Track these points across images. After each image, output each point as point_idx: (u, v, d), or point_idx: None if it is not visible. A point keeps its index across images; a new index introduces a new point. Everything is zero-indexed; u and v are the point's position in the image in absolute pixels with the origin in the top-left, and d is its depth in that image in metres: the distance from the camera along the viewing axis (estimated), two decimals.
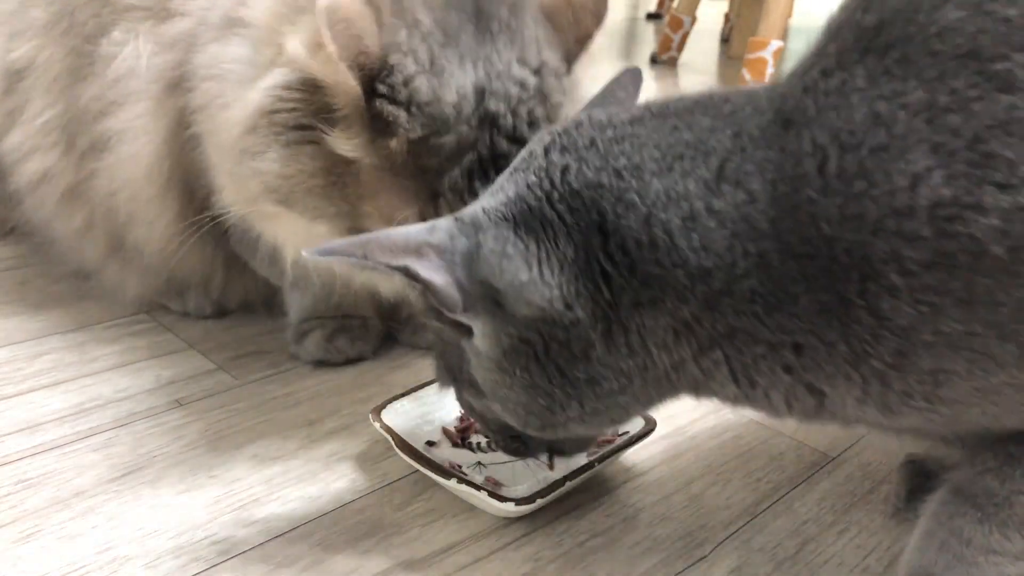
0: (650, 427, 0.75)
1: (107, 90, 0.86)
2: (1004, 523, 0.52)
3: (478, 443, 0.76)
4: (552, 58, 0.69)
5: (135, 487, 0.72)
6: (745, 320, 0.50)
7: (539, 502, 0.67)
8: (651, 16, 3.95)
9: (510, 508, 0.66)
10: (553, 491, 0.67)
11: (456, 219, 0.54)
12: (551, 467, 0.73)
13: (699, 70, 2.76)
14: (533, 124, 0.67)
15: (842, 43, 0.49)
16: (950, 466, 0.70)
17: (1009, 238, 0.42)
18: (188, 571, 0.63)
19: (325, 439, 0.80)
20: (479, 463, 0.74)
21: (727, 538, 0.68)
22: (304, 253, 0.53)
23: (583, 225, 0.51)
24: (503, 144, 0.66)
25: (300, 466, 0.76)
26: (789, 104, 0.49)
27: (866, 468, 0.78)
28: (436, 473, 0.69)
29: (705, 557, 0.66)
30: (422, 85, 0.63)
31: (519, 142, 0.65)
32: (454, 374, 0.61)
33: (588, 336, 0.52)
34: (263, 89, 0.67)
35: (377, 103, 0.63)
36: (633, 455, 0.77)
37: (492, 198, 0.55)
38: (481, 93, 0.65)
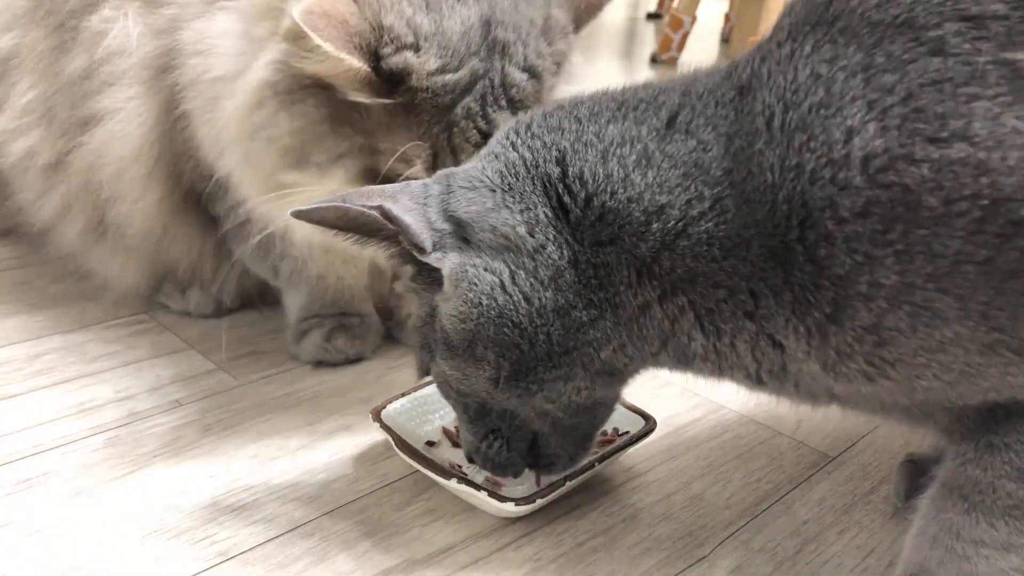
0: (650, 427, 0.75)
1: (97, 67, 0.87)
2: (990, 511, 0.53)
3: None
4: (560, 15, 0.71)
5: (135, 487, 0.72)
6: (703, 264, 0.52)
7: (539, 502, 0.67)
8: (651, 16, 3.95)
9: (510, 508, 0.66)
10: (553, 491, 0.67)
11: (432, 176, 0.60)
12: (537, 483, 0.70)
13: None
14: (542, 57, 0.69)
15: (795, 17, 0.52)
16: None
17: (943, 190, 0.44)
18: (188, 571, 0.63)
19: (325, 439, 0.80)
20: None
21: (727, 538, 0.68)
22: (290, 213, 0.56)
23: (543, 161, 0.56)
24: (515, 73, 0.68)
25: (300, 466, 0.76)
26: (746, 72, 0.53)
27: (866, 468, 0.78)
28: (436, 473, 0.69)
29: (705, 557, 0.66)
30: (423, 21, 0.66)
31: (532, 73, 0.69)
32: (431, 349, 0.62)
33: (555, 262, 0.55)
34: (265, 64, 0.69)
35: (384, 63, 0.65)
36: (633, 455, 0.77)
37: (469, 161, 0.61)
38: (487, 24, 0.67)
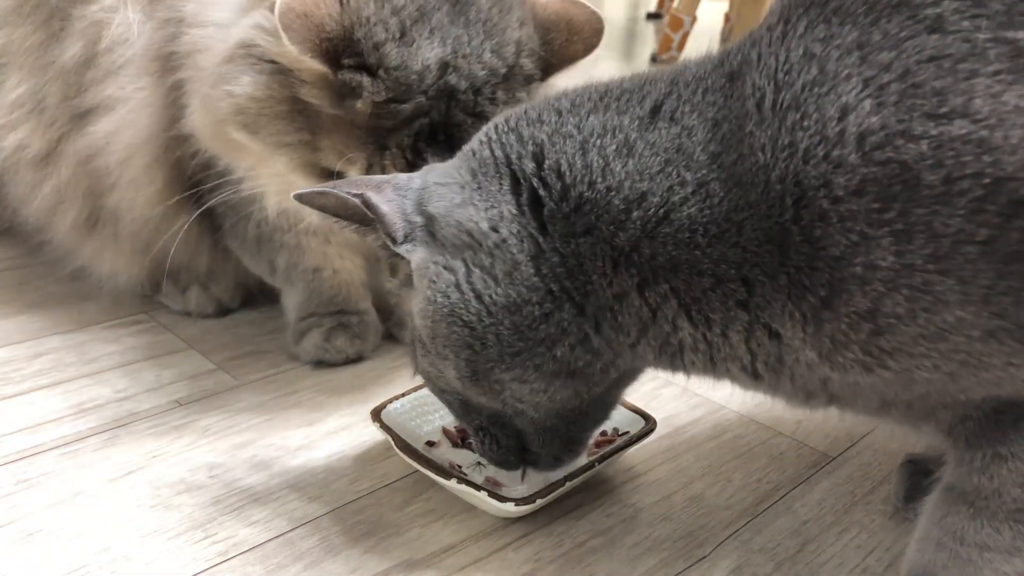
0: (650, 427, 0.75)
1: (99, 56, 0.87)
2: (994, 515, 0.52)
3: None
4: (528, 64, 0.73)
5: (135, 487, 0.72)
6: (686, 251, 0.51)
7: (539, 502, 0.67)
8: (651, 16, 3.95)
9: (510, 508, 0.66)
10: (553, 491, 0.67)
11: (419, 170, 0.61)
12: (522, 478, 0.71)
13: None
14: (495, 104, 0.71)
15: (787, 1, 0.51)
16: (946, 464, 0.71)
17: (943, 167, 0.43)
18: (188, 571, 0.63)
19: (325, 439, 0.80)
20: (479, 463, 0.74)
21: (727, 538, 0.68)
22: (292, 196, 0.59)
23: (516, 156, 0.56)
24: (459, 115, 0.70)
25: (300, 466, 0.76)
26: (736, 58, 0.52)
27: (866, 468, 0.78)
28: (436, 473, 0.69)
29: (705, 557, 0.66)
30: (391, 52, 0.68)
31: (479, 117, 0.70)
32: (415, 345, 0.63)
33: (513, 257, 0.55)
34: (245, 25, 0.72)
35: (342, 74, 0.68)
36: (633, 455, 0.77)
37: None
38: (444, 67, 0.69)
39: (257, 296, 1.05)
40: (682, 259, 0.51)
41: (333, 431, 0.81)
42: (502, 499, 0.66)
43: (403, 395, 0.78)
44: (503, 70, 0.71)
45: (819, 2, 0.49)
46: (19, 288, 1.08)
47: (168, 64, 0.83)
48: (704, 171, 0.50)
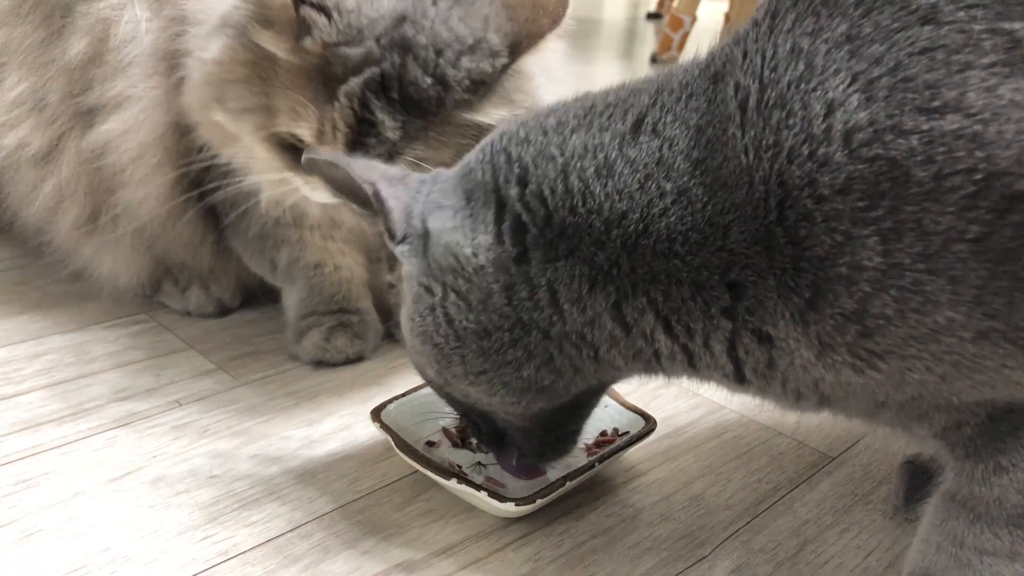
0: (650, 427, 0.75)
1: (107, 54, 0.87)
2: (994, 521, 0.52)
3: (478, 443, 0.76)
4: (495, 40, 0.73)
5: (135, 487, 0.72)
6: (664, 261, 0.51)
7: (539, 502, 0.67)
8: (651, 16, 3.96)
9: (510, 508, 0.66)
10: (553, 491, 0.67)
11: (431, 173, 0.61)
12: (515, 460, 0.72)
13: None
14: (458, 70, 0.71)
15: None
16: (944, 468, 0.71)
17: (934, 163, 0.42)
18: (188, 571, 0.63)
19: (325, 439, 0.80)
20: (479, 463, 0.74)
21: (727, 538, 0.68)
22: (303, 159, 0.59)
23: (503, 181, 0.56)
24: (416, 72, 0.70)
25: (300, 466, 0.76)
26: (721, 58, 0.52)
27: (866, 468, 0.78)
28: (436, 473, 0.69)
29: (705, 557, 0.66)
30: (349, 1, 0.70)
31: (439, 80, 0.71)
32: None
33: (488, 286, 0.56)
34: (228, 2, 0.74)
35: (303, 9, 0.70)
36: (633, 455, 0.77)
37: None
38: (401, 19, 0.70)
39: (258, 296, 1.05)
40: (661, 269, 0.51)
41: (333, 431, 0.81)
42: (502, 499, 0.66)
43: (403, 395, 0.78)
44: (470, 40, 0.71)
45: None
46: (19, 288, 1.08)
47: (174, 62, 0.83)
48: (685, 178, 0.50)
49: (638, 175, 0.51)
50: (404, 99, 0.71)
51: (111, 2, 0.87)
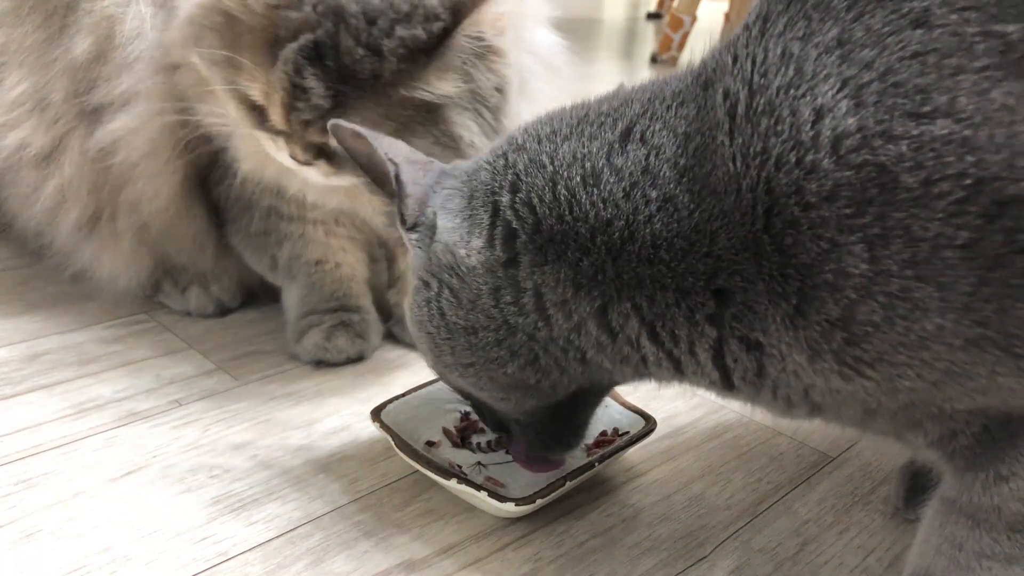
0: (650, 427, 0.75)
1: (113, 52, 0.87)
2: (993, 527, 0.52)
3: (478, 443, 0.76)
4: (433, 2, 0.72)
5: (135, 487, 0.72)
6: (649, 267, 0.51)
7: (539, 502, 0.67)
8: (651, 16, 3.96)
9: (510, 508, 0.66)
10: (553, 491, 0.67)
11: (451, 164, 0.62)
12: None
13: None
14: (391, 38, 0.70)
15: None
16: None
17: (923, 169, 0.42)
18: (188, 571, 0.63)
19: (325, 439, 0.80)
20: (479, 463, 0.74)
21: (727, 538, 0.68)
22: (329, 124, 0.60)
23: (498, 187, 0.57)
24: (350, 42, 0.70)
25: (300, 466, 0.76)
26: (709, 65, 0.52)
27: (866, 468, 0.78)
28: (436, 473, 0.69)
29: (705, 557, 0.66)
30: None
31: (372, 50, 0.70)
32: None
33: (478, 287, 0.57)
34: None
35: None
36: (633, 455, 0.77)
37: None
38: None
39: (259, 295, 1.05)
40: (645, 275, 0.51)
41: (333, 431, 0.81)
42: (502, 499, 0.66)
43: (403, 395, 0.78)
44: (405, 7, 0.71)
45: None
46: (19, 288, 1.08)
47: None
48: (671, 186, 0.50)
49: (623, 183, 0.51)
50: (339, 68, 0.70)
51: (93, 8, 0.86)
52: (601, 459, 0.70)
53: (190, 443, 0.78)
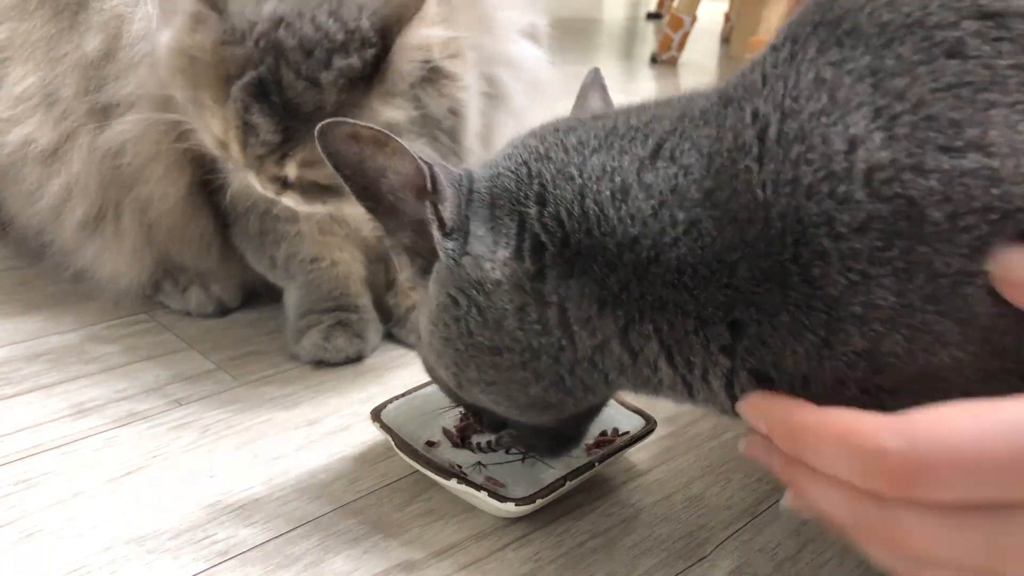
0: (650, 427, 0.75)
1: (120, 51, 0.87)
2: None
3: (478, 443, 0.76)
4: (366, 26, 0.71)
5: (135, 487, 0.72)
6: (673, 291, 0.50)
7: (539, 502, 0.67)
8: (651, 16, 3.96)
9: (510, 508, 0.66)
10: (553, 491, 0.67)
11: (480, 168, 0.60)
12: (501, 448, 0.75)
13: (699, 70, 2.76)
14: (329, 70, 0.70)
15: (796, 19, 0.49)
16: None
17: (950, 203, 0.41)
18: (188, 571, 0.63)
19: (325, 439, 0.80)
20: (479, 463, 0.74)
21: (727, 538, 0.68)
22: (324, 123, 0.56)
23: (523, 196, 0.55)
24: (290, 76, 0.70)
25: (300, 466, 0.76)
26: (733, 84, 0.51)
27: None
28: (436, 473, 0.69)
29: (705, 557, 0.66)
30: (236, 2, 0.72)
31: (315, 83, 0.70)
32: (417, 330, 0.65)
33: (503, 306, 0.55)
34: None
35: (195, 3, 0.72)
36: (633, 455, 0.77)
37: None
38: (279, 21, 0.70)
39: (262, 295, 1.05)
40: (669, 299, 0.50)
41: (333, 431, 0.81)
42: (502, 499, 0.66)
43: (403, 395, 0.78)
44: (340, 36, 0.70)
45: (830, 22, 0.47)
46: (19, 288, 1.08)
47: None
48: (697, 209, 0.49)
49: (652, 201, 0.50)
50: (284, 102, 0.71)
51: (103, 6, 0.86)
52: (601, 459, 0.70)
53: (190, 443, 0.78)
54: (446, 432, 0.77)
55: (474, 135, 0.79)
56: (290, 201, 0.79)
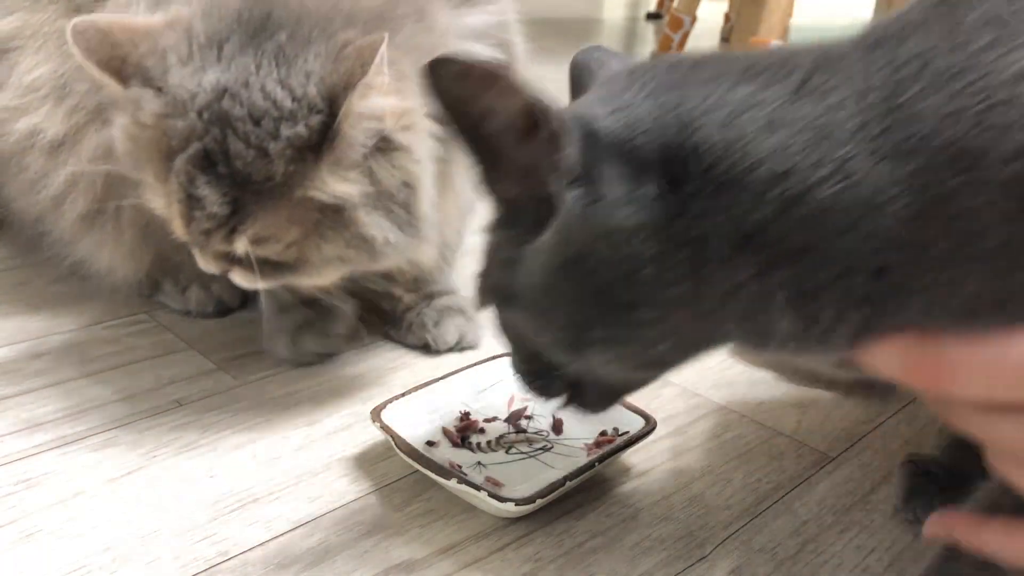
0: (650, 427, 0.75)
1: None
2: None
3: (478, 443, 0.76)
4: (313, 93, 0.69)
5: (135, 487, 0.72)
6: (815, 235, 0.47)
7: (539, 502, 0.67)
8: (651, 16, 3.96)
9: (510, 508, 0.66)
10: (553, 491, 0.67)
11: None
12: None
13: None
14: (277, 140, 0.68)
15: None
16: (950, 467, 0.70)
17: None
18: (188, 571, 0.63)
19: (325, 439, 0.80)
20: (479, 463, 0.74)
21: (727, 538, 0.68)
22: (440, 55, 0.49)
23: (661, 126, 0.50)
24: (239, 146, 0.68)
25: (300, 466, 0.76)
26: (880, 26, 0.49)
27: (866, 468, 0.78)
28: (436, 473, 0.69)
29: (705, 557, 0.66)
30: (174, 75, 0.70)
31: (261, 152, 0.68)
32: (496, 291, 0.58)
33: (641, 254, 0.50)
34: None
35: (131, 89, 0.71)
36: (633, 455, 0.77)
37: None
38: (223, 92, 0.69)
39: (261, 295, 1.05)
40: (809, 243, 0.47)
41: (333, 431, 0.81)
42: (502, 499, 0.66)
43: (403, 395, 0.78)
44: (288, 104, 0.68)
45: None
46: (19, 288, 1.08)
47: None
48: (849, 147, 0.46)
49: (804, 135, 0.47)
50: (232, 173, 0.69)
51: (119, 2, 0.86)
52: (601, 459, 0.71)
53: (190, 443, 0.78)
54: (446, 432, 0.77)
55: (430, 205, 0.77)
56: (239, 279, 0.77)
